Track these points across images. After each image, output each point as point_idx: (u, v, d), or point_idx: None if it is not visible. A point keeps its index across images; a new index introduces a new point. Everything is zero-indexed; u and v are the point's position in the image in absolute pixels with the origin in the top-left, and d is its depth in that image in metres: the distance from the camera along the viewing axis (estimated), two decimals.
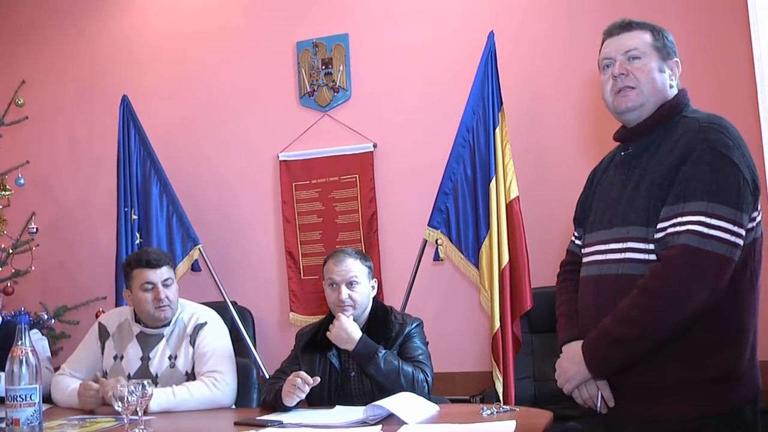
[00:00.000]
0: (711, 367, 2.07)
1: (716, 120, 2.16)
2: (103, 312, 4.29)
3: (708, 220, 2.00)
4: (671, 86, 2.30)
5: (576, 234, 2.59)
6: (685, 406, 2.09)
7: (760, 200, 2.14)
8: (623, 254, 2.18)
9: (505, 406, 2.72)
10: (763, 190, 2.79)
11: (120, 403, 2.58)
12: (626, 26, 2.34)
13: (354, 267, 3.11)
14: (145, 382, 2.64)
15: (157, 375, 3.27)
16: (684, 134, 2.15)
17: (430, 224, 4.33)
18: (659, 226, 2.09)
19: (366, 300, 3.14)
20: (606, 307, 2.17)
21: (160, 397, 3.01)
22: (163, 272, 3.31)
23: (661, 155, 2.17)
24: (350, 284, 3.09)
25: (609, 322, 2.10)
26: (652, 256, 2.11)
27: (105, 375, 3.33)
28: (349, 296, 3.08)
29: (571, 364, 2.21)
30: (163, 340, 3.32)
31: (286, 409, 2.87)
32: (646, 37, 2.30)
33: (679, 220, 2.03)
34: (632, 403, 2.17)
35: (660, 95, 2.27)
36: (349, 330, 2.98)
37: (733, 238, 2.01)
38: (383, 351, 2.94)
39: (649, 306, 2.03)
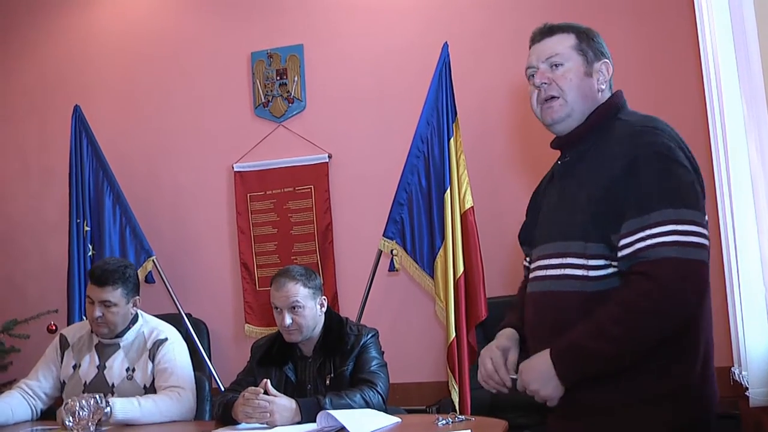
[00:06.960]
0: (657, 385, 1.93)
1: (650, 122, 2.03)
2: (55, 325, 4.22)
3: (680, 227, 1.85)
4: (600, 90, 2.16)
5: (525, 253, 2.42)
6: (630, 426, 1.96)
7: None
8: (562, 270, 2.04)
9: (460, 416, 2.74)
10: (711, 192, 2.82)
11: (71, 417, 2.54)
12: (548, 31, 2.19)
13: (294, 291, 3.06)
14: (98, 396, 2.60)
15: (113, 385, 3.24)
16: (620, 141, 2.01)
17: (385, 235, 4.34)
18: (622, 242, 1.91)
19: (313, 321, 3.10)
20: (547, 325, 2.07)
21: (126, 407, 2.96)
22: (104, 292, 3.21)
23: (598, 164, 2.03)
24: (293, 309, 3.05)
25: (583, 336, 1.92)
26: (592, 273, 1.98)
27: (63, 384, 3.31)
28: (293, 320, 3.05)
29: (545, 383, 1.98)
30: (120, 351, 3.29)
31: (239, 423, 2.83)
32: (569, 40, 2.15)
33: (649, 232, 1.86)
34: (579, 420, 2.05)
35: (589, 101, 2.14)
36: (289, 411, 2.78)
37: (705, 241, 1.87)
38: (326, 398, 2.82)
39: (636, 325, 1.86)
